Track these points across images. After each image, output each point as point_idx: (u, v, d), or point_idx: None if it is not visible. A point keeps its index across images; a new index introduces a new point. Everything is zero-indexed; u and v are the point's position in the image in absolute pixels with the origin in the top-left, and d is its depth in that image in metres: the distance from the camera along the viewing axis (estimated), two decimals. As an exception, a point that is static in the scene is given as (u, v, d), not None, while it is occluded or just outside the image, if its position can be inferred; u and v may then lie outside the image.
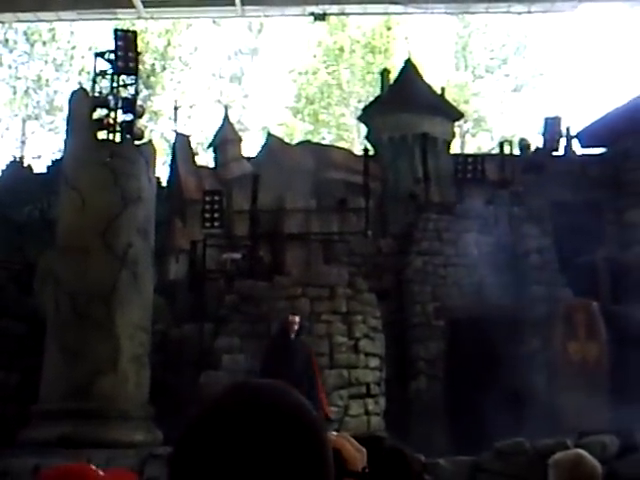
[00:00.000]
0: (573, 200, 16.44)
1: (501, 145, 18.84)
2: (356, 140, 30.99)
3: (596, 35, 46.84)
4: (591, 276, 14.23)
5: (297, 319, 11.25)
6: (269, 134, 20.38)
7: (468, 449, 10.47)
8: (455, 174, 17.28)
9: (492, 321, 13.30)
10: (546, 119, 18.72)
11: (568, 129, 18.60)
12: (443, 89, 20.09)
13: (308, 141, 23.35)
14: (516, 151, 18.75)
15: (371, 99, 22.50)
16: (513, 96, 34.99)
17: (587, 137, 18.39)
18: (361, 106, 25.71)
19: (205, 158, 23.60)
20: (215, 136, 19.36)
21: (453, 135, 19.58)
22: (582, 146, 18.65)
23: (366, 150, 18.02)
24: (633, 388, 12.13)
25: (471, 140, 33.01)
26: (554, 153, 18.21)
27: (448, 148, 18.67)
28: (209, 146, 20.46)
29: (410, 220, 15.93)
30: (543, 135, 18.57)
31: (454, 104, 21.07)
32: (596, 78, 44.25)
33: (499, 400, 11.43)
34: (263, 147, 18.84)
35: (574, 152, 18.50)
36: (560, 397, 12.61)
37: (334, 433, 1.33)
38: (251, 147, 23.03)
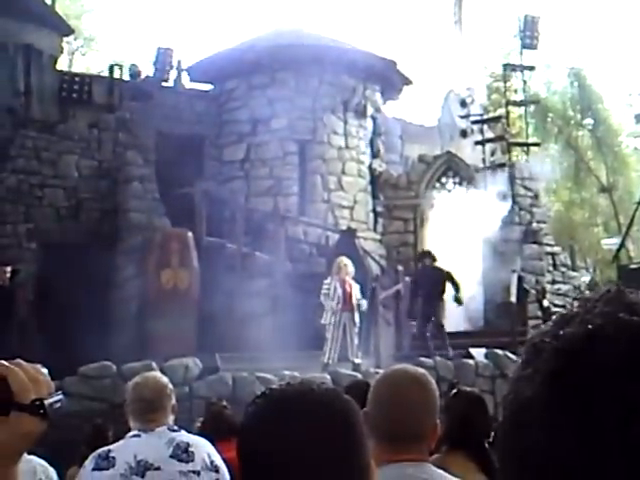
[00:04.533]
0: (177, 132, 16.74)
1: (111, 68, 18.40)
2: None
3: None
4: (189, 208, 14.68)
5: None
6: None
7: (57, 373, 10.28)
8: (60, 92, 16.51)
9: (88, 246, 13.11)
10: (159, 49, 18.70)
11: (179, 62, 18.80)
12: (54, 0, 18.97)
13: None
14: (126, 76, 18.45)
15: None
16: (127, 19, 34.40)
17: (197, 72, 18.78)
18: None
19: None
20: None
21: (61, 50, 18.66)
22: (191, 80, 19.01)
23: (-40, 53, 16.34)
24: (220, 315, 12.90)
25: (80, 59, 31.82)
26: (164, 84, 18.29)
27: (55, 64, 17.72)
28: None
29: (6, 135, 14.92)
30: (154, 64, 18.53)
31: (65, 18, 20.04)
32: (212, 17, 45.40)
33: (91, 326, 11.37)
34: None
35: (183, 85, 18.78)
36: (151, 323, 12.93)
37: (2, 362, 1.13)
38: None
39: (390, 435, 2.12)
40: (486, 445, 3.20)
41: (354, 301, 11.54)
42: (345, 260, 11.81)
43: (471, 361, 12.04)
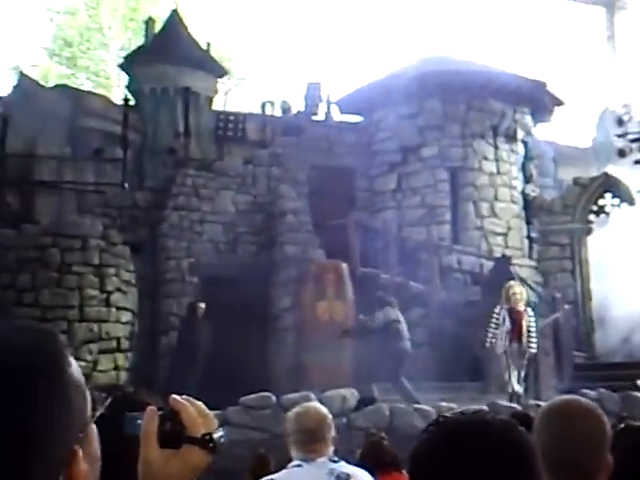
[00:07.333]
0: (329, 165, 17.03)
1: (263, 105, 19.01)
2: (116, 88, 29.82)
3: (362, 8, 48.56)
4: (342, 239, 14.85)
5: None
6: (22, 74, 19.03)
7: (219, 403, 10.62)
8: (216, 131, 17.22)
9: (246, 279, 13.50)
10: (308, 84, 19.17)
11: (329, 95, 19.17)
12: (209, 44, 19.84)
13: (65, 85, 22.09)
14: (278, 112, 19.01)
15: (134, 47, 21.72)
16: (276, 58, 35.46)
17: (346, 104, 19.07)
18: (123, 54, 24.74)
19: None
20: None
21: (216, 91, 19.47)
22: (341, 113, 19.32)
23: (126, 100, 17.38)
24: (374, 346, 12.86)
25: (234, 98, 33.07)
26: (314, 118, 18.69)
27: (210, 104, 18.52)
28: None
29: (168, 175, 15.71)
30: (305, 99, 18.98)
31: (219, 60, 20.92)
32: (360, 50, 46.06)
33: (250, 356, 11.66)
34: (15, 88, 17.56)
35: (333, 118, 19.11)
36: (307, 354, 13.11)
37: (175, 396, 1.22)
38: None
39: (560, 468, 2.04)
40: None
41: (524, 331, 10.92)
42: (515, 287, 11.33)
43: (638, 394, 11.43)
